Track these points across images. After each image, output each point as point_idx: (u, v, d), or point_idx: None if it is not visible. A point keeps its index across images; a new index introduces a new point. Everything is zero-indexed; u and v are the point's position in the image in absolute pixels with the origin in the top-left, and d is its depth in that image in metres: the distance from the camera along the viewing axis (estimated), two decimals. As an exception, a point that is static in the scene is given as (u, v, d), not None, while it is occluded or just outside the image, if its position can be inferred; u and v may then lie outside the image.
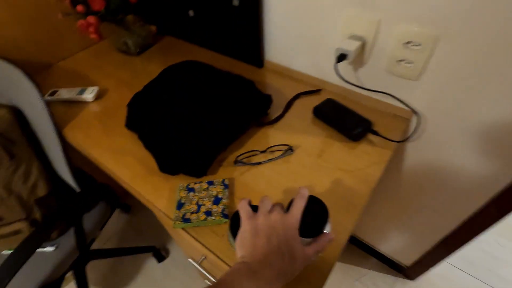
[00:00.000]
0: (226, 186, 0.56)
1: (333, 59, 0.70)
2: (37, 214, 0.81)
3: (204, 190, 0.55)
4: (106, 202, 0.98)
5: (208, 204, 0.53)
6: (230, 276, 0.33)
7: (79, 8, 0.79)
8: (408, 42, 0.57)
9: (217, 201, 0.54)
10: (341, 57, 0.60)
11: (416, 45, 0.57)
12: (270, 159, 0.62)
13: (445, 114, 0.63)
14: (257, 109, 0.68)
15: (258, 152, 0.63)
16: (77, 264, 0.95)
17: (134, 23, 0.94)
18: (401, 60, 0.60)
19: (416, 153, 0.75)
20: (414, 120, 0.68)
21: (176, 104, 0.66)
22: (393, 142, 0.63)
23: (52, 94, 0.82)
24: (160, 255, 1.30)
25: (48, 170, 0.82)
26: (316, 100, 0.73)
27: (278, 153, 0.63)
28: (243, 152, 0.64)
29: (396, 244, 1.14)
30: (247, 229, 0.37)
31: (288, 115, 0.73)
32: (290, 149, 0.63)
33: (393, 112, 0.70)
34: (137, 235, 1.40)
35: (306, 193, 0.40)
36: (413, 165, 0.78)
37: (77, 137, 0.73)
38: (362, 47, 0.63)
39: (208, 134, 0.61)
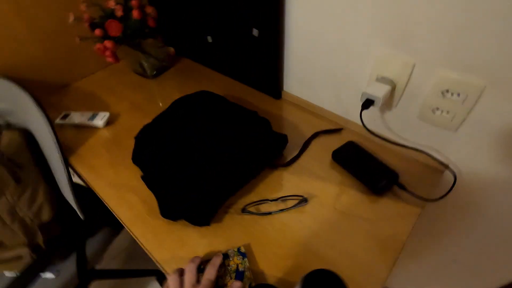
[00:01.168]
0: (243, 255, 0.49)
1: (357, 97, 0.63)
2: (40, 240, 0.78)
3: (221, 266, 0.48)
4: (111, 227, 0.96)
5: (229, 282, 0.46)
6: None
7: (97, 32, 0.78)
8: (446, 90, 0.50)
9: (239, 276, 0.47)
10: (368, 103, 0.54)
11: (456, 95, 0.50)
12: (281, 210, 0.56)
13: (486, 173, 0.54)
14: (271, 151, 0.63)
15: (268, 201, 0.57)
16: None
17: (152, 45, 0.92)
18: (436, 109, 0.53)
19: (449, 211, 0.66)
20: (448, 174, 0.60)
21: (184, 143, 0.62)
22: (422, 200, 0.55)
23: (64, 117, 0.81)
24: (164, 280, 1.26)
25: (55, 194, 0.80)
26: (336, 141, 0.67)
27: (291, 203, 0.57)
28: (252, 197, 0.59)
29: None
30: None
31: (304, 157, 0.67)
32: (304, 200, 0.57)
33: (425, 162, 0.62)
34: (144, 254, 1.37)
35: (217, 262, 0.46)
36: (448, 222, 0.70)
37: (82, 166, 0.70)
38: (391, 90, 0.56)
39: (216, 179, 0.56)
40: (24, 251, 0.77)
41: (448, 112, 0.52)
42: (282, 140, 0.64)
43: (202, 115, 0.67)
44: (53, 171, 0.78)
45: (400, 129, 0.62)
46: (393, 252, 0.50)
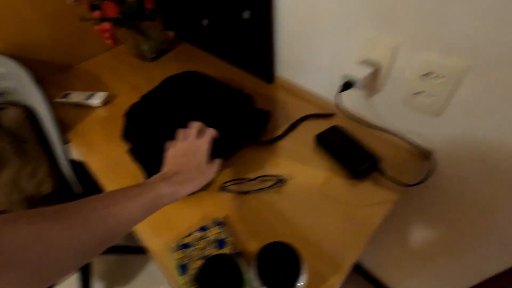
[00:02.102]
0: (221, 224, 0.51)
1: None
2: (41, 210, 0.84)
3: (200, 239, 0.49)
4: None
5: (214, 252, 0.47)
6: (150, 180, 0.42)
7: (96, 13, 0.80)
8: (429, 73, 0.49)
9: (221, 244, 0.48)
10: (347, 85, 0.54)
11: (439, 77, 0.48)
12: (259, 189, 0.57)
13: (469, 158, 0.53)
14: (253, 126, 0.64)
15: (247, 180, 0.58)
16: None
17: (151, 28, 0.93)
18: (420, 92, 0.52)
19: (425, 196, 0.65)
20: (430, 161, 0.58)
21: (170, 118, 0.64)
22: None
23: (65, 96, 0.84)
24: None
25: (55, 169, 0.85)
26: (325, 126, 0.66)
27: (269, 183, 0.58)
28: (231, 175, 0.61)
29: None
30: (170, 152, 0.49)
31: (289, 138, 0.67)
32: (282, 181, 0.57)
33: (409, 148, 0.61)
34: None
35: (213, 133, 0.52)
36: (426, 207, 0.69)
37: (79, 142, 0.74)
38: (375, 73, 0.55)
39: None
40: (27, 220, 0.82)
41: (431, 96, 0.51)
42: (264, 116, 0.65)
43: (187, 92, 0.68)
44: (53, 147, 0.83)
45: (386, 114, 0.61)
46: (364, 235, 0.50)
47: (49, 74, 0.95)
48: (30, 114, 0.79)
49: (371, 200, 0.54)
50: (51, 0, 0.87)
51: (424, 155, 0.59)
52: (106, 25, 0.81)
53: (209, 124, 0.61)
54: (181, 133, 0.53)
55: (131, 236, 1.47)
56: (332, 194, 0.56)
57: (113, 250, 1.25)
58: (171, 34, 1.02)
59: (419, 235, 0.78)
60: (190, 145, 0.49)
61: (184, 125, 0.62)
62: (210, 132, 0.52)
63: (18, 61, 0.79)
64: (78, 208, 0.32)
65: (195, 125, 0.53)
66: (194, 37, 1.00)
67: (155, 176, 0.44)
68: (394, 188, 0.55)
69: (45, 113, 0.72)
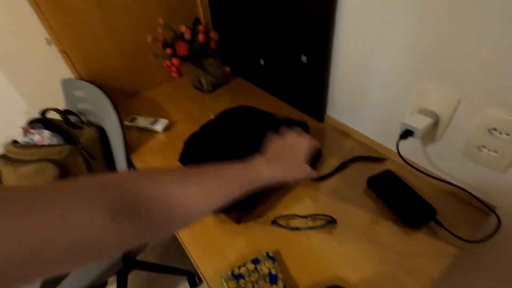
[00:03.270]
0: (273, 259, 0.53)
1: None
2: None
3: (253, 271, 0.51)
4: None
5: (266, 287, 0.49)
6: (253, 160, 0.45)
7: (168, 51, 0.91)
8: (493, 129, 0.49)
9: (273, 279, 0.50)
10: (407, 134, 0.55)
11: (504, 134, 0.48)
12: (310, 227, 0.58)
13: (540, 220, 0.50)
14: None
15: (298, 217, 0.60)
16: (121, 272, 1.02)
17: (211, 64, 1.03)
18: (483, 147, 0.52)
19: (485, 255, 0.61)
20: (493, 218, 0.56)
21: (225, 147, 0.69)
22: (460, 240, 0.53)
23: (132, 120, 0.94)
24: (194, 281, 1.32)
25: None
26: (375, 169, 0.67)
27: (320, 222, 0.59)
28: (280, 209, 0.63)
29: None
30: (274, 142, 0.51)
31: (338, 178, 0.68)
32: (333, 221, 0.58)
33: (467, 200, 0.59)
34: (179, 254, 1.46)
35: (316, 143, 0.54)
36: (486, 269, 0.64)
37: (140, 163, 0.81)
38: (434, 124, 0.56)
39: None
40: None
41: (496, 151, 0.50)
42: (315, 152, 0.67)
43: (242, 123, 0.74)
44: (117, 166, 0.92)
45: (443, 164, 0.61)
46: (425, 285, 0.48)
47: (118, 99, 1.07)
48: (101, 134, 0.89)
49: (427, 252, 0.53)
50: (130, 39, 1.00)
51: (485, 210, 0.57)
52: (175, 61, 0.91)
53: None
54: (284, 130, 0.55)
55: (166, 255, 1.50)
56: (383, 241, 0.55)
57: (149, 267, 1.29)
58: (227, 69, 1.12)
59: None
60: (293, 140, 0.52)
61: (238, 153, 0.67)
62: (310, 137, 0.54)
63: (98, 87, 0.91)
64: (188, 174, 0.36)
65: (295, 130, 0.56)
66: (249, 73, 1.08)
67: (258, 157, 0.46)
68: (452, 242, 0.53)
69: (117, 134, 0.81)
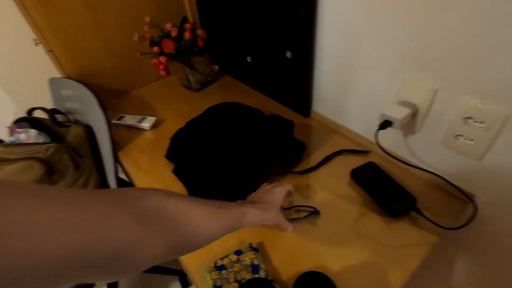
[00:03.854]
0: (256, 250, 0.53)
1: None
2: (85, 221, 0.91)
3: (236, 262, 0.51)
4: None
5: (248, 277, 0.49)
6: (238, 202, 0.46)
7: (155, 49, 0.92)
8: (469, 117, 0.50)
9: (255, 269, 0.50)
10: (385, 124, 0.56)
11: (479, 122, 0.49)
12: (293, 219, 0.59)
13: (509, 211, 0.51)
14: (288, 154, 0.68)
15: (281, 209, 0.60)
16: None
17: (199, 62, 1.03)
18: (460, 135, 0.53)
19: (464, 242, 0.62)
20: (470, 205, 0.57)
21: (211, 142, 0.70)
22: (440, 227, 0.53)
23: (119, 118, 0.94)
24: (185, 282, 1.31)
25: (103, 184, 0.93)
26: (359, 162, 0.68)
27: (304, 213, 0.60)
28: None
29: None
30: (255, 192, 0.55)
31: (323, 171, 0.69)
32: (316, 212, 0.59)
33: (446, 189, 0.60)
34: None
35: (290, 188, 0.55)
36: (469, 255, 0.65)
37: (128, 160, 0.81)
38: (414, 114, 0.57)
39: (237, 174, 0.63)
40: (72, 229, 0.89)
41: (471, 139, 0.51)
42: (300, 146, 0.69)
43: (228, 119, 0.75)
44: (104, 163, 0.91)
45: (424, 154, 0.62)
46: (400, 277, 0.49)
47: (107, 97, 1.07)
48: (89, 133, 0.89)
49: (408, 240, 0.53)
50: (118, 37, 1.00)
51: (463, 198, 0.58)
52: (162, 59, 0.92)
53: (248, 148, 0.67)
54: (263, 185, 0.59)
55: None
56: (366, 231, 0.56)
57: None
58: (215, 67, 1.12)
59: (457, 282, 0.73)
60: (270, 188, 0.54)
61: (223, 148, 0.68)
62: (287, 185, 0.55)
63: (86, 86, 0.91)
64: (196, 200, 0.37)
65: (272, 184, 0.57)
66: (237, 71, 1.09)
67: (241, 201, 0.49)
68: (432, 230, 0.54)
69: (104, 133, 0.81)
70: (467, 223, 0.51)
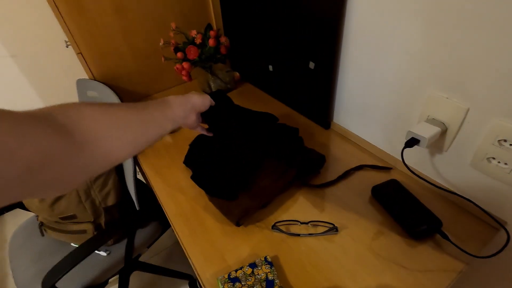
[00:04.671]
0: (270, 264, 0.52)
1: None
2: (102, 220, 0.92)
3: (250, 275, 0.50)
4: (159, 222, 1.06)
5: None
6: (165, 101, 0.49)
7: (179, 55, 0.93)
8: (503, 140, 0.47)
9: (269, 284, 0.49)
10: (412, 142, 0.54)
11: (515, 146, 0.46)
12: (310, 234, 0.57)
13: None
14: (306, 166, 0.68)
15: (298, 223, 0.59)
16: (124, 272, 1.03)
17: (220, 69, 1.04)
18: (492, 158, 0.50)
19: (494, 272, 0.58)
20: (502, 233, 0.53)
21: (229, 150, 0.70)
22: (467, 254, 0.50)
23: (141, 121, 0.96)
24: (195, 286, 1.31)
25: (121, 185, 0.94)
26: (380, 178, 0.65)
27: (321, 229, 0.58)
28: (282, 214, 0.62)
29: None
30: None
31: (342, 186, 0.67)
32: (334, 229, 0.57)
33: (475, 213, 0.57)
34: (182, 258, 1.45)
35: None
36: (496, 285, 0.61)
37: (147, 164, 0.82)
38: (442, 133, 0.55)
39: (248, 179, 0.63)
40: (89, 227, 0.91)
41: (506, 163, 0.48)
42: (319, 158, 0.68)
43: (247, 126, 0.74)
44: (124, 165, 0.93)
45: (451, 175, 0.59)
46: (422, 303, 0.46)
47: (131, 100, 1.10)
48: (111, 134, 0.91)
49: (431, 266, 0.51)
50: (143, 43, 1.03)
51: (494, 224, 0.54)
52: (185, 65, 0.93)
53: (267, 159, 0.67)
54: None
55: (169, 258, 1.50)
56: (385, 252, 0.53)
57: (151, 269, 1.29)
58: (236, 74, 1.13)
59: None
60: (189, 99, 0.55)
61: (241, 156, 0.68)
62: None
63: (111, 88, 0.94)
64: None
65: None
66: (258, 79, 1.09)
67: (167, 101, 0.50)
68: (459, 256, 0.51)
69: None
70: (500, 251, 0.48)
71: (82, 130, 0.31)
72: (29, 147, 0.24)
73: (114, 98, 0.88)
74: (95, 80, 1.00)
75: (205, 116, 0.61)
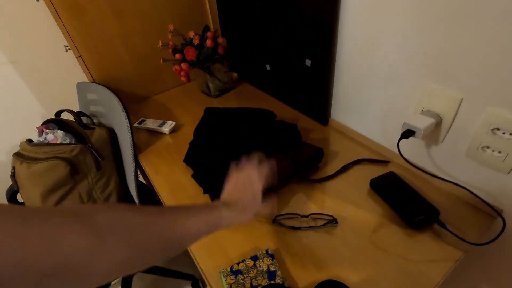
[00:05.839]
0: (272, 256, 0.53)
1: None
2: (104, 221, 0.93)
3: (252, 268, 0.51)
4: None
5: (264, 283, 0.49)
6: (214, 203, 0.46)
7: (177, 56, 0.95)
8: (496, 128, 0.48)
9: (271, 276, 0.50)
10: (408, 134, 0.55)
11: (508, 134, 0.47)
12: (310, 226, 0.58)
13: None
14: (305, 161, 0.68)
15: (299, 216, 0.60)
16: (125, 274, 1.03)
17: (218, 69, 1.06)
18: (486, 147, 0.51)
19: (491, 259, 0.59)
20: (499, 220, 0.54)
21: (228, 147, 0.71)
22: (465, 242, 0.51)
23: (141, 122, 0.97)
24: (198, 286, 1.31)
25: (122, 185, 0.95)
26: (379, 171, 0.66)
27: (321, 222, 0.59)
28: (283, 209, 0.63)
29: None
30: (230, 183, 0.52)
31: (341, 180, 0.68)
32: (334, 221, 0.58)
33: (472, 202, 0.58)
34: (185, 259, 1.46)
35: (268, 170, 0.53)
36: (493, 271, 0.62)
37: (147, 163, 0.83)
38: (437, 125, 0.56)
39: None
40: (92, 229, 0.91)
41: (500, 151, 0.49)
42: (317, 153, 0.69)
43: (240, 123, 0.76)
44: (125, 166, 0.94)
45: (447, 165, 0.60)
46: (423, 290, 0.47)
47: (130, 103, 1.11)
48: (112, 135, 0.92)
49: (430, 255, 0.51)
50: (142, 45, 1.05)
51: (491, 212, 0.55)
52: (184, 66, 0.95)
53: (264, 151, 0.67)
54: (243, 161, 0.55)
55: (171, 259, 1.50)
56: (385, 243, 0.54)
57: (154, 270, 1.30)
58: (234, 75, 1.14)
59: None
60: (249, 178, 0.51)
61: (238, 154, 0.68)
62: (268, 167, 0.54)
63: (110, 90, 0.95)
64: (158, 210, 0.37)
65: (256, 156, 0.56)
66: (256, 78, 1.10)
67: (217, 201, 0.48)
68: (457, 245, 0.52)
69: (126, 136, 0.83)
70: (495, 238, 0.48)
71: None
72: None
73: (114, 100, 0.89)
74: (95, 82, 1.01)
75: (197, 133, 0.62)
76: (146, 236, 0.32)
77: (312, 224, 0.59)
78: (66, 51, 0.98)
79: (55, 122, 0.94)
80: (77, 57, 0.95)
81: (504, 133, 0.48)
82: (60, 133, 0.89)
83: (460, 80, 0.50)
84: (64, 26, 0.89)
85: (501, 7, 0.41)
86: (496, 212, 0.53)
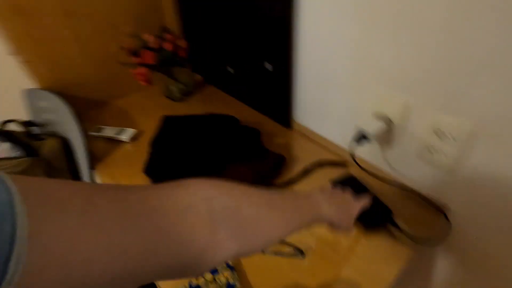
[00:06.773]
0: (232, 268, 0.52)
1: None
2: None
3: (211, 282, 0.50)
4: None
5: None
6: (312, 194, 0.42)
7: (134, 59, 0.90)
8: (440, 131, 0.51)
9: None
10: (360, 137, 0.56)
11: (450, 138, 0.50)
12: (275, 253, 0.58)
13: (483, 223, 0.52)
14: (267, 168, 0.68)
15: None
16: None
17: (181, 72, 1.02)
18: (433, 149, 0.53)
19: (443, 256, 0.63)
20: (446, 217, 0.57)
21: (189, 157, 0.69)
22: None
23: (98, 130, 0.92)
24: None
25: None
26: (339, 174, 0.68)
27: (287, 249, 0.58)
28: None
29: None
30: (338, 192, 0.49)
31: (304, 183, 0.69)
32: (301, 253, 0.55)
33: (424, 203, 0.61)
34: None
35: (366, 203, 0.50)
36: (446, 270, 0.65)
37: (105, 174, 0.79)
38: (389, 128, 0.58)
39: None
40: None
41: (444, 153, 0.52)
42: (279, 159, 0.69)
43: (204, 132, 0.74)
44: (82, 178, 0.89)
45: (401, 166, 0.62)
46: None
47: (86, 109, 1.04)
48: (65, 145, 0.86)
49: (385, 254, 0.53)
50: (97, 47, 0.99)
51: (439, 210, 0.58)
52: (142, 69, 0.91)
53: (224, 160, 0.67)
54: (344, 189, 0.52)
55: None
56: (344, 245, 0.55)
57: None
58: (198, 78, 1.11)
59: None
60: (351, 200, 0.49)
61: (200, 162, 0.68)
62: (364, 201, 0.51)
63: (61, 97, 0.89)
64: (270, 199, 0.34)
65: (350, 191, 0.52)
66: (219, 81, 1.08)
67: (316, 192, 0.43)
68: (409, 244, 0.54)
69: (80, 145, 0.78)
70: (443, 236, 0.51)
71: None
72: None
73: (65, 108, 0.83)
74: (44, 89, 0.94)
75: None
76: (255, 235, 0.30)
77: (277, 249, 0.57)
78: (9, 54, 0.90)
79: (1, 133, 0.86)
80: (23, 62, 0.88)
81: (447, 136, 0.50)
82: (6, 146, 0.82)
83: (407, 86, 0.52)
84: (9, 29, 0.81)
85: (440, 16, 0.43)
86: (440, 212, 0.56)
